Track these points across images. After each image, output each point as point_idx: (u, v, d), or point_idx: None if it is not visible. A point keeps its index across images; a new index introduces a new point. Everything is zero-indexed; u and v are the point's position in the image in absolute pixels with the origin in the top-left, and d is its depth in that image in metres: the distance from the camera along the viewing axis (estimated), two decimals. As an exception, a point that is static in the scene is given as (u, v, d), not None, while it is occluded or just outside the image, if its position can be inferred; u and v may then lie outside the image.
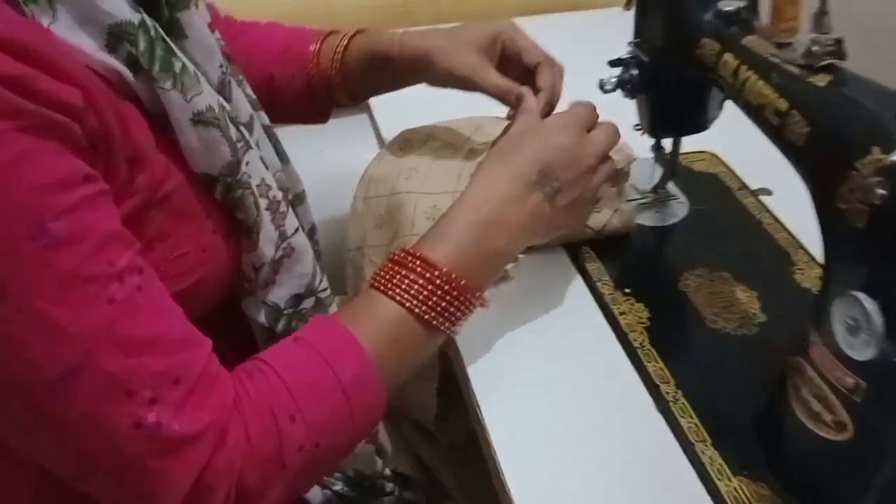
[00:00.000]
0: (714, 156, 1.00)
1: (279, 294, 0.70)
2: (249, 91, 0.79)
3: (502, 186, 0.70)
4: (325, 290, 0.75)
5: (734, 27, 0.70)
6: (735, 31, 0.70)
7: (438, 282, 0.66)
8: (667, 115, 0.84)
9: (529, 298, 0.81)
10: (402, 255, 0.67)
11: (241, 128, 0.67)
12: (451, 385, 0.83)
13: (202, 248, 0.62)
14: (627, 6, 0.79)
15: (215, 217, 0.63)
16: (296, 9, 1.47)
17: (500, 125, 0.97)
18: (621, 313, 0.79)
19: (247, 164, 0.65)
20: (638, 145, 0.90)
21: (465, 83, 0.84)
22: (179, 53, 0.60)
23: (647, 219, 0.91)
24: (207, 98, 0.61)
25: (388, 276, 0.67)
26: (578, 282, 0.84)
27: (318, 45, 0.92)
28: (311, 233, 0.89)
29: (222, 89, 0.69)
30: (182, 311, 0.57)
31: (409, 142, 0.97)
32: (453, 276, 0.66)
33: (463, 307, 0.67)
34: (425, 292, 0.65)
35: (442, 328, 0.66)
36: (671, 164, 0.89)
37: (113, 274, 0.52)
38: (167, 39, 0.59)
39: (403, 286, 0.65)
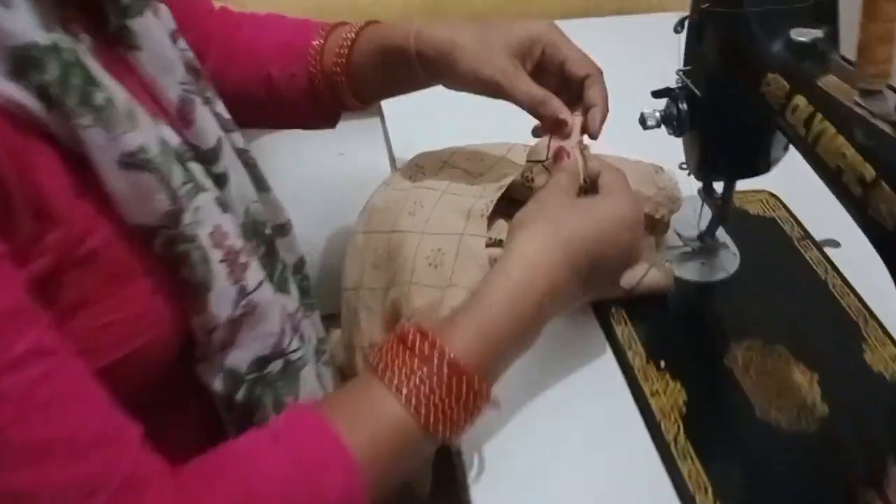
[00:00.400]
0: (772, 196, 0.87)
1: (239, 357, 0.59)
2: (221, 109, 0.68)
3: (555, 277, 0.59)
4: (295, 350, 0.64)
5: (808, 62, 0.57)
6: (810, 68, 0.56)
7: (455, 384, 0.54)
8: (721, 157, 0.70)
9: (546, 367, 0.69)
10: (413, 335, 0.56)
11: (192, 164, 0.56)
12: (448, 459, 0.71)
13: (139, 313, 0.52)
14: (679, 28, 0.66)
15: (155, 275, 0.53)
16: (318, 5, 1.35)
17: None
18: (654, 393, 0.67)
19: (196, 209, 0.54)
20: (682, 178, 0.77)
21: (492, 88, 0.72)
22: (107, 81, 0.49)
23: (690, 271, 0.78)
24: (142, 136, 0.50)
25: (390, 360, 0.55)
26: (604, 348, 0.72)
27: (322, 40, 0.81)
28: (298, 267, 0.78)
29: (183, 109, 0.60)
30: (105, 394, 0.47)
31: (420, 168, 0.84)
32: (475, 379, 0.55)
33: (473, 414, 0.56)
34: (434, 396, 0.54)
35: (444, 437, 0.55)
36: (722, 210, 0.76)
37: (6, 363, 0.42)
38: (88, 66, 0.48)
39: (411, 384, 0.54)
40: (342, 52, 0.79)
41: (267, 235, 0.69)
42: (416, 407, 0.53)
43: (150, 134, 0.51)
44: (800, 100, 0.56)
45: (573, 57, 0.71)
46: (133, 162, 0.49)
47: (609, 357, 0.71)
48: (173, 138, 0.56)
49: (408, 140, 0.99)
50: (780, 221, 0.84)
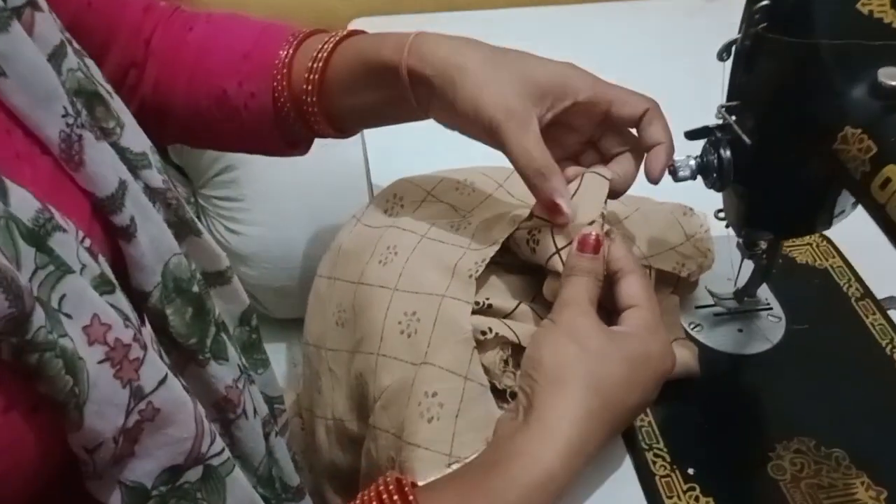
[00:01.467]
0: (824, 239, 0.72)
1: (142, 469, 0.47)
2: (133, 141, 0.54)
3: (588, 445, 0.50)
4: (219, 453, 0.50)
5: (901, 115, 0.42)
6: (903, 124, 0.42)
7: None
8: (771, 213, 0.56)
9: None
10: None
11: (59, 237, 0.43)
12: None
13: None
14: (725, 55, 0.51)
15: (7, 388, 0.40)
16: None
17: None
18: (680, 515, 0.53)
19: (61, 300, 0.41)
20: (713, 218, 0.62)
21: (489, 131, 0.56)
22: None
23: (723, 340, 0.64)
24: None
25: None
26: (621, 454, 0.58)
27: (291, 50, 0.66)
28: (245, 318, 0.64)
29: (68, 149, 0.47)
30: None
31: (399, 200, 0.70)
32: None
33: None
34: None
35: None
36: (767, 266, 0.61)
37: None
38: None
39: None
40: (316, 66, 0.64)
41: (194, 293, 0.56)
42: None
43: None
44: (891, 170, 0.41)
45: (622, 98, 0.57)
46: None
47: (627, 466, 0.57)
48: (27, 206, 0.42)
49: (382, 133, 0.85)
50: (834, 274, 0.69)
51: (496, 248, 0.60)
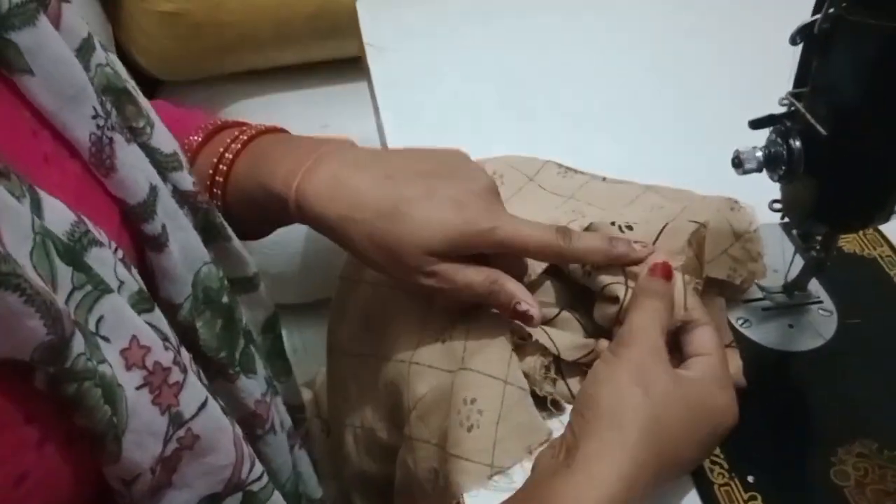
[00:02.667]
0: (877, 231, 0.69)
1: (181, 499, 0.44)
2: (163, 141, 0.50)
3: (633, 499, 0.46)
4: (259, 478, 0.47)
5: None
6: None
7: None
8: (839, 207, 0.52)
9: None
10: None
11: (96, 251, 0.39)
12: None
13: (18, 476, 0.35)
14: (799, 38, 0.47)
15: (41, 421, 0.36)
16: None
17: (567, 180, 0.67)
18: (743, 526, 0.50)
19: (98, 322, 0.38)
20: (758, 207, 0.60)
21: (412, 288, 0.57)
22: None
23: (773, 336, 0.61)
24: (3, 234, 0.33)
25: None
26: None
27: (200, 136, 0.61)
28: (269, 326, 0.61)
29: (99, 153, 0.43)
30: None
31: None
32: None
33: None
34: None
35: None
36: (821, 260, 0.58)
37: None
38: None
39: None
40: (221, 168, 0.59)
41: (224, 304, 0.52)
42: None
43: (15, 225, 0.34)
44: None
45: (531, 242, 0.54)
46: None
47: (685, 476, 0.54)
48: (62, 219, 0.38)
49: (401, 110, 0.82)
50: (884, 263, 0.66)
51: (543, 263, 0.57)
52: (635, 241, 0.55)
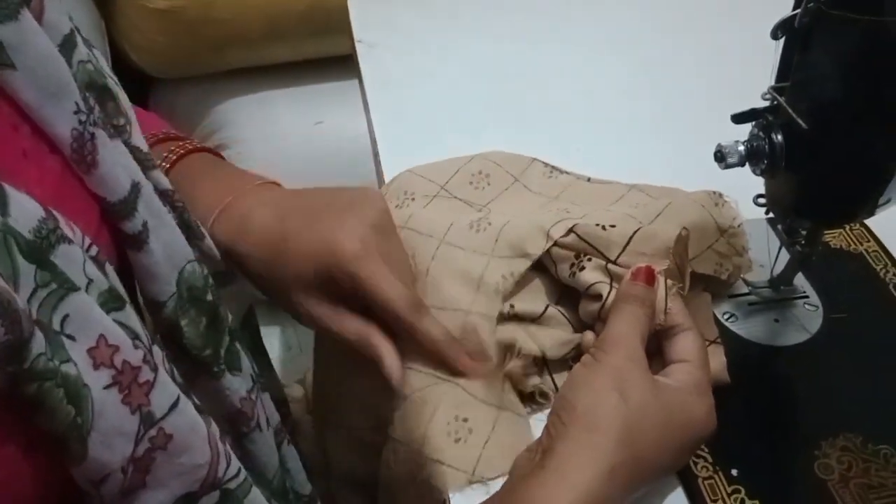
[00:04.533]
0: (863, 226, 0.69)
1: (155, 500, 0.43)
2: (139, 141, 0.50)
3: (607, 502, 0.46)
4: (235, 475, 0.47)
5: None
6: None
7: None
8: (821, 201, 0.53)
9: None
10: None
11: (63, 249, 0.39)
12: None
13: None
14: (779, 33, 0.47)
15: (2, 420, 0.36)
16: None
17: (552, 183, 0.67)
18: (726, 520, 0.51)
19: (63, 321, 0.37)
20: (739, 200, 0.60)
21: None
22: None
23: (758, 331, 0.61)
24: None
25: None
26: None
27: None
28: (248, 318, 0.61)
29: (80, 148, 0.43)
30: None
31: (410, 196, 0.67)
32: None
33: None
34: None
35: None
36: (806, 254, 0.58)
37: None
38: None
39: None
40: None
41: (208, 302, 0.52)
42: None
43: None
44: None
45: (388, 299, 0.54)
46: None
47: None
48: (29, 216, 0.38)
49: (391, 109, 0.82)
50: (870, 259, 0.66)
51: (527, 263, 0.57)
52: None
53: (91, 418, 0.37)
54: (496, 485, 0.51)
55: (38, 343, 0.35)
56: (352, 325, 0.55)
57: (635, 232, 0.56)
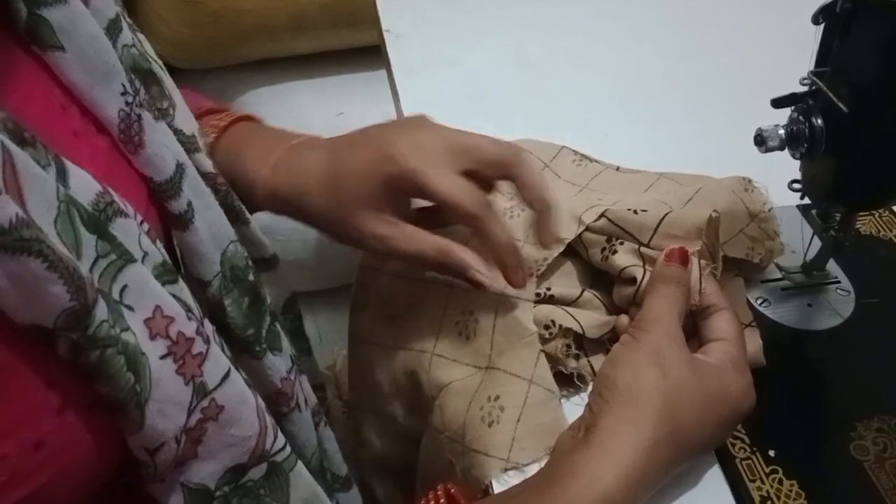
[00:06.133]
0: (888, 209, 0.69)
1: (204, 471, 0.44)
2: (184, 123, 0.51)
3: (650, 475, 0.47)
4: (282, 448, 0.48)
5: None
6: None
7: None
8: (860, 185, 0.53)
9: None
10: None
11: (120, 222, 0.40)
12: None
13: (37, 441, 0.36)
14: (820, 18, 0.48)
15: (62, 387, 0.37)
16: None
17: (582, 171, 0.68)
18: (763, 500, 0.51)
19: (122, 291, 0.38)
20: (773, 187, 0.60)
21: (375, 254, 0.60)
22: None
23: (792, 315, 0.62)
24: (28, 200, 0.34)
25: None
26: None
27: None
28: (289, 306, 0.62)
29: (128, 129, 0.44)
30: None
31: None
32: None
33: None
34: None
35: None
36: (840, 239, 0.59)
37: None
38: None
39: None
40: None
41: (251, 282, 0.53)
42: None
43: (40, 192, 0.35)
44: None
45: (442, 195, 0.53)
46: (8, 243, 0.32)
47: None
48: (88, 189, 0.39)
49: (419, 96, 0.83)
50: (900, 245, 0.67)
51: (560, 248, 0.58)
52: None
53: (149, 387, 0.39)
54: (531, 470, 0.52)
55: (101, 310, 0.36)
56: (427, 240, 0.54)
57: (666, 214, 0.57)
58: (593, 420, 0.48)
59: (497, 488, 0.52)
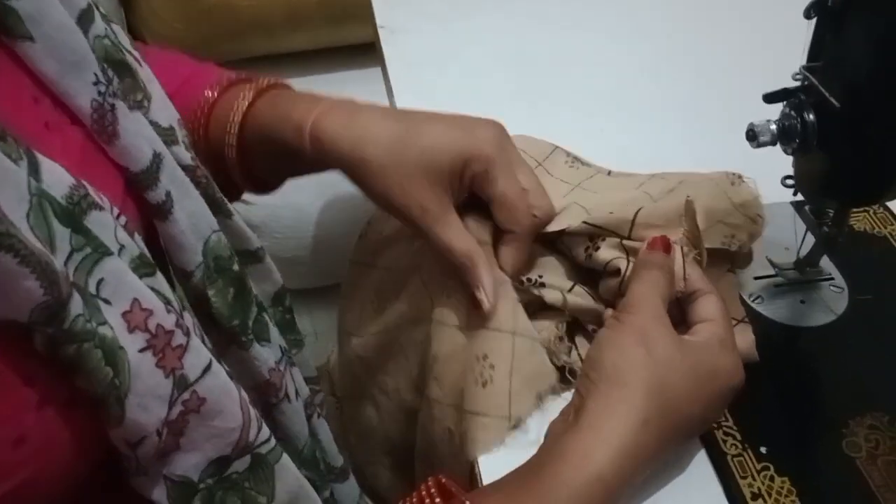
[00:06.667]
0: (883, 206, 0.69)
1: (189, 463, 0.44)
2: (160, 115, 0.51)
3: (642, 453, 0.47)
4: (266, 440, 0.48)
5: None
6: None
7: None
8: (852, 181, 0.53)
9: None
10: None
11: (95, 214, 0.40)
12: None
13: (16, 438, 0.36)
14: (812, 12, 0.48)
15: (41, 382, 0.36)
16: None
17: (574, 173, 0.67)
18: (755, 496, 0.51)
19: (98, 284, 0.38)
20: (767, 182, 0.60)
21: (408, 225, 0.56)
22: None
23: (784, 312, 0.62)
24: None
25: None
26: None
27: (215, 92, 0.63)
28: (278, 299, 0.62)
29: (101, 119, 0.43)
30: None
31: None
32: None
33: None
34: None
35: None
36: (832, 235, 0.59)
37: None
38: None
39: None
40: (233, 121, 0.61)
41: (235, 272, 0.53)
42: None
43: (10, 186, 0.34)
44: None
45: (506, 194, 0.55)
46: None
47: (696, 446, 0.55)
48: (61, 182, 0.38)
49: (414, 93, 0.83)
50: (893, 241, 0.67)
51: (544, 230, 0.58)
52: None
53: (128, 380, 0.38)
54: (531, 429, 0.53)
55: (77, 305, 0.36)
56: (463, 238, 0.55)
57: (642, 208, 0.56)
58: (582, 402, 0.48)
59: (485, 464, 0.52)
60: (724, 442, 0.54)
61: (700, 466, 0.53)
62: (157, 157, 0.47)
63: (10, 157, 0.35)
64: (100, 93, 0.43)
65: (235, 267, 0.53)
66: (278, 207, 1.22)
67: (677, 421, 0.48)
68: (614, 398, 0.47)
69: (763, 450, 0.53)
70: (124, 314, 0.39)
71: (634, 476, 0.47)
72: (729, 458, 0.53)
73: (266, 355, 0.55)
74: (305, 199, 1.21)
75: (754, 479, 0.52)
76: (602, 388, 0.48)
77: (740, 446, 0.54)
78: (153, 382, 0.40)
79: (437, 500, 0.46)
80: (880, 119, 0.47)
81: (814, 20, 0.49)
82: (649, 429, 0.46)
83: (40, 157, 0.38)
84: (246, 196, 1.24)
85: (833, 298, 0.62)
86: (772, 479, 0.52)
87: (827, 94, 0.48)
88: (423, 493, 0.48)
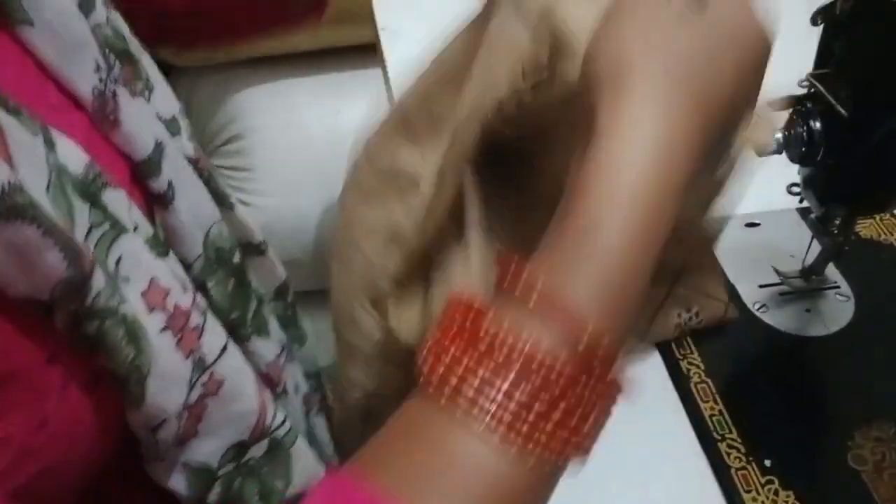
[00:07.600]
0: (893, 216, 0.68)
1: (206, 449, 0.43)
2: (162, 105, 0.49)
3: (678, 135, 0.36)
4: (282, 424, 0.47)
5: None
6: None
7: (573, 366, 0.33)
8: (858, 189, 0.52)
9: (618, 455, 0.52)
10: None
11: (110, 193, 0.38)
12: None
13: (38, 421, 0.34)
14: (819, 19, 0.47)
15: (62, 363, 0.35)
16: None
17: None
18: (760, 511, 0.50)
19: (117, 262, 0.37)
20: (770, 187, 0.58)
21: None
22: None
23: (790, 321, 0.61)
24: (18, 167, 0.32)
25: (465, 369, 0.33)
26: (689, 437, 0.55)
27: None
28: (280, 293, 0.61)
29: (103, 106, 0.42)
30: None
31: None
32: (603, 343, 0.33)
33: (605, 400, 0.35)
34: (540, 403, 0.32)
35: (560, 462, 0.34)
36: (839, 243, 0.58)
37: None
38: None
39: (493, 397, 0.33)
40: None
41: (235, 264, 0.52)
42: (516, 441, 0.32)
43: (29, 160, 0.33)
44: None
45: None
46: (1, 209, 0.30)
47: (699, 457, 0.54)
48: (76, 159, 0.37)
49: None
50: (901, 249, 0.66)
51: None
52: None
53: (149, 360, 0.37)
54: None
55: (99, 280, 0.34)
56: None
57: None
58: (589, 117, 0.37)
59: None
60: (728, 455, 0.53)
61: (703, 480, 0.53)
62: (159, 147, 0.46)
63: (28, 131, 0.34)
64: (101, 79, 0.42)
65: (236, 259, 0.52)
66: (279, 210, 1.22)
67: (707, 98, 0.37)
68: (624, 90, 0.37)
69: (767, 463, 0.53)
70: (143, 293, 0.38)
71: (682, 166, 0.36)
72: (733, 471, 0.52)
73: (264, 349, 0.54)
74: (306, 202, 1.20)
75: (758, 494, 0.51)
76: (606, 84, 0.37)
77: (744, 459, 0.53)
78: (173, 363, 0.39)
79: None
80: (888, 127, 0.46)
81: (821, 27, 0.48)
82: (680, 114, 0.36)
83: (55, 133, 0.37)
84: (246, 198, 1.23)
85: (839, 307, 0.61)
86: (776, 493, 0.51)
87: (834, 102, 0.47)
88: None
